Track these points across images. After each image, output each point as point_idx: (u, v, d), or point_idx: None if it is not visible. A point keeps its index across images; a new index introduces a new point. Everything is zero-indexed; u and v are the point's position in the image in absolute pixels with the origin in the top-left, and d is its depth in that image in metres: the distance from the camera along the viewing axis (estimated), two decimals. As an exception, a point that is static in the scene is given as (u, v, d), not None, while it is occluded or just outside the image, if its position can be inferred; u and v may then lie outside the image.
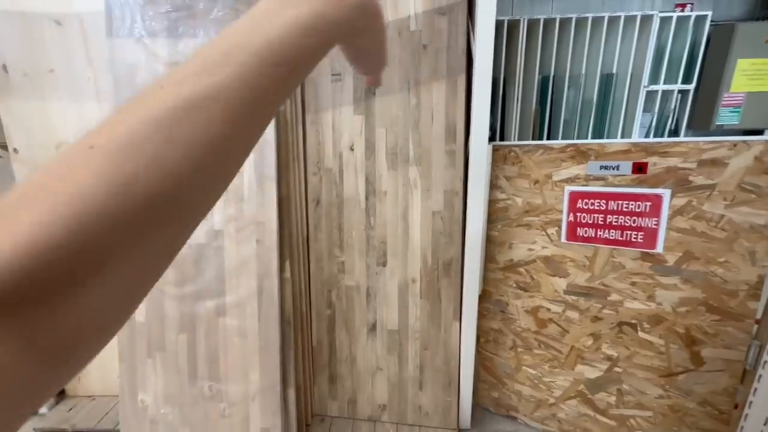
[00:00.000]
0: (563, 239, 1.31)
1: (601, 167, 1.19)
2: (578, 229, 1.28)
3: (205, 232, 1.34)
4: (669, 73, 2.85)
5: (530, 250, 1.39)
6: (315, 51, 0.22)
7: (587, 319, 1.34)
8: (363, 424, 1.59)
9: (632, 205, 1.17)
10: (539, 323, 1.44)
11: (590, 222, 1.25)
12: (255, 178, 1.32)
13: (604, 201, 1.21)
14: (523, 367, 1.52)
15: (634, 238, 1.19)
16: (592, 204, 1.24)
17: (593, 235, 1.26)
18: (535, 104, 2.84)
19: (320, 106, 1.46)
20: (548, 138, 2.76)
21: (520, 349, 1.51)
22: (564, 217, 1.29)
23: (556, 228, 1.32)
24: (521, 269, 1.43)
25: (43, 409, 1.68)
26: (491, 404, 1.66)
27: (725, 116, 2.94)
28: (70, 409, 1.68)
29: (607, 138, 2.75)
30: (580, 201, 1.26)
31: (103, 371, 1.71)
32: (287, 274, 1.39)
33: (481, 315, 1.54)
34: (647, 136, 3.00)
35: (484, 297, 1.53)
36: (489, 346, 1.60)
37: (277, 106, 0.23)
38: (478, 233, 1.36)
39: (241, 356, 1.35)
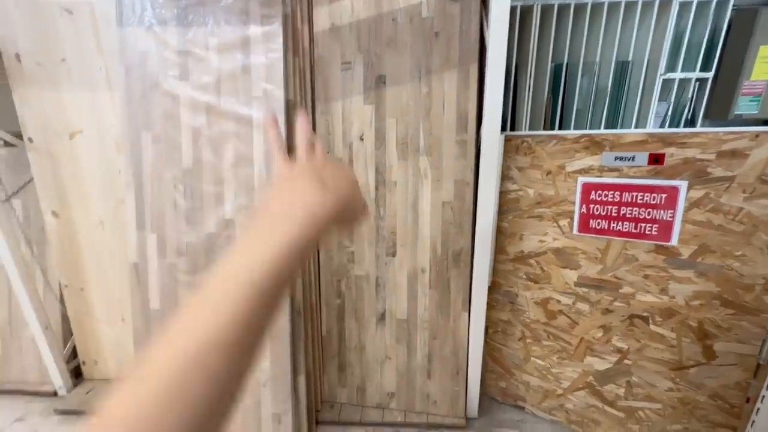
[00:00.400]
0: (575, 231, 1.30)
1: (616, 158, 1.17)
2: (591, 221, 1.26)
3: (216, 221, 1.36)
4: (687, 60, 2.77)
5: (541, 241, 1.38)
6: (301, 265, 0.26)
7: (598, 312, 1.33)
8: (372, 411, 1.61)
9: (647, 197, 1.15)
10: (549, 315, 1.44)
11: (603, 214, 1.24)
12: (266, 168, 1.32)
13: (618, 193, 1.19)
14: (532, 358, 1.53)
15: (648, 230, 1.17)
16: (606, 196, 1.22)
17: (606, 227, 1.24)
18: (547, 93, 2.78)
19: (330, 96, 1.45)
20: (560, 128, 2.72)
21: (528, 340, 1.51)
22: (576, 208, 1.28)
23: (568, 220, 1.31)
24: (532, 261, 1.42)
25: (62, 392, 1.73)
26: (498, 394, 1.67)
27: (744, 105, 2.85)
28: (88, 392, 1.73)
29: (621, 128, 2.70)
30: (593, 192, 1.24)
31: (119, 355, 1.76)
32: (297, 263, 1.40)
33: (490, 306, 1.54)
34: (662, 125, 2.93)
35: (493, 288, 1.53)
36: (497, 337, 1.60)
37: (270, 321, 0.25)
38: (489, 224, 1.35)
39: (252, 344, 1.37)
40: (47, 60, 1.45)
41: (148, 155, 1.37)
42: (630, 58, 2.67)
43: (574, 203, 1.28)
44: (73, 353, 1.79)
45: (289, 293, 1.34)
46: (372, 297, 1.55)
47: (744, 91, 2.81)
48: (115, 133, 1.51)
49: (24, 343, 1.74)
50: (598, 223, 1.25)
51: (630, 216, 1.19)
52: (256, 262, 0.24)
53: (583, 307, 1.35)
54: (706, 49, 2.69)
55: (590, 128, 2.72)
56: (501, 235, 1.47)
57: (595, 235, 1.27)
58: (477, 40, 1.33)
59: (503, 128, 1.31)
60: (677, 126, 3.05)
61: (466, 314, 1.48)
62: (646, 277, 1.22)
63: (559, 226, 1.33)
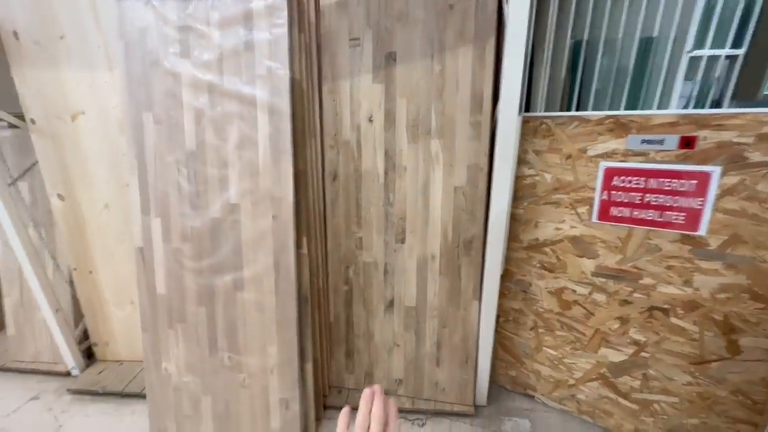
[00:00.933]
0: (594, 219, 1.23)
1: (643, 141, 1.09)
2: (612, 208, 1.19)
3: (221, 205, 1.32)
4: (717, 36, 2.60)
5: (558, 229, 1.32)
6: None
7: (615, 302, 1.28)
8: (379, 397, 1.60)
9: (675, 183, 1.08)
10: (563, 305, 1.39)
11: (626, 201, 1.17)
12: (270, 152, 1.27)
13: (644, 178, 1.12)
14: (544, 348, 1.49)
15: (675, 219, 1.10)
16: (630, 181, 1.14)
17: (628, 215, 1.17)
18: (565, 72, 2.65)
19: (337, 75, 1.38)
20: (578, 109, 2.60)
21: (540, 330, 1.47)
22: (597, 195, 1.21)
23: (587, 207, 1.24)
24: (547, 249, 1.37)
25: (75, 371, 1.76)
26: (508, 382, 1.64)
27: None
28: (100, 372, 1.76)
29: (642, 109, 2.56)
30: (616, 178, 1.16)
31: (129, 337, 1.77)
32: (304, 249, 1.37)
33: (502, 294, 1.49)
34: (686, 107, 2.79)
35: (505, 276, 1.48)
36: (508, 326, 1.56)
37: None
38: (503, 211, 1.29)
39: (259, 330, 1.35)
40: (45, 38, 1.40)
41: (150, 137, 1.33)
42: (655, 34, 2.51)
43: (594, 189, 1.21)
44: (85, 335, 1.81)
45: (296, 281, 1.32)
46: (380, 284, 1.52)
47: None
48: (118, 114, 1.47)
49: (37, 324, 1.77)
50: (620, 211, 1.18)
51: (655, 203, 1.12)
52: None
53: (599, 297, 1.30)
54: (739, 23, 2.51)
55: (610, 110, 2.60)
56: (515, 222, 1.41)
57: (615, 224, 1.20)
58: (495, 14, 1.24)
59: (520, 109, 1.23)
60: (703, 107, 2.89)
61: (477, 302, 1.44)
62: (669, 267, 1.15)
63: (578, 214, 1.27)
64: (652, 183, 1.11)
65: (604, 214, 1.21)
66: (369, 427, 0.45)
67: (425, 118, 1.34)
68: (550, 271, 1.38)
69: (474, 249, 1.40)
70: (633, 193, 1.15)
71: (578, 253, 1.30)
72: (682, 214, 1.09)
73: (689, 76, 2.78)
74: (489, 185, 1.35)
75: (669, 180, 1.08)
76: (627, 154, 1.14)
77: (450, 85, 1.30)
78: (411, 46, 1.30)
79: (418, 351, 1.55)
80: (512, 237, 1.43)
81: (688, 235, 1.10)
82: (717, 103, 2.90)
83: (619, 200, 1.18)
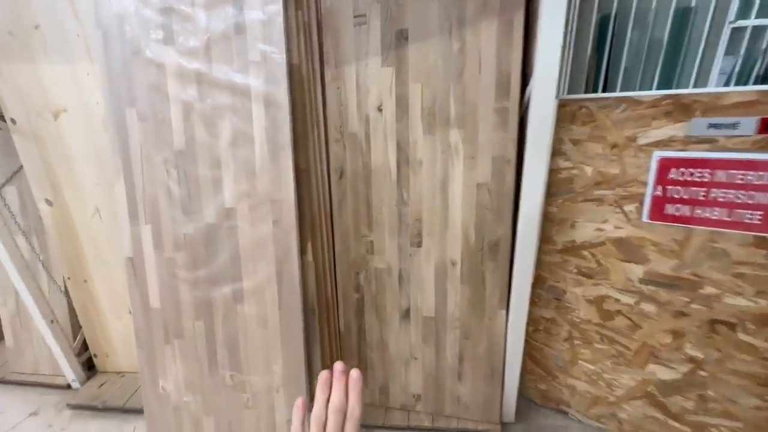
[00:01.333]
0: (645, 218, 1.05)
1: (711, 126, 0.90)
2: (667, 205, 1.01)
3: (216, 210, 1.18)
4: (764, 4, 2.32)
5: (599, 230, 1.15)
6: None
7: (668, 314, 1.10)
8: (396, 413, 1.47)
9: (750, 175, 0.89)
10: (604, 315, 1.22)
11: (686, 197, 0.98)
12: (268, 149, 1.12)
13: (709, 171, 0.93)
14: (579, 361, 1.33)
15: (748, 218, 0.92)
16: (692, 174, 0.96)
17: (688, 214, 0.99)
18: (591, 49, 2.42)
19: (341, 58, 1.21)
20: (604, 90, 2.37)
21: (576, 342, 1.31)
22: (649, 190, 1.03)
23: (636, 204, 1.06)
24: (585, 252, 1.19)
25: (75, 384, 1.68)
26: (537, 396, 1.49)
27: None
28: (101, 385, 1.67)
29: (677, 88, 2.32)
30: (673, 170, 0.98)
31: (128, 348, 1.67)
32: (309, 257, 1.23)
33: (532, 302, 1.33)
34: (727, 84, 2.53)
35: (536, 282, 1.31)
36: (539, 336, 1.40)
37: None
38: (536, 209, 1.12)
39: (262, 346, 1.23)
40: (19, 28, 1.27)
41: (135, 136, 1.19)
42: (693, 3, 2.26)
43: (645, 184, 1.03)
44: (84, 346, 1.72)
45: (301, 291, 1.18)
46: (395, 292, 1.37)
47: None
48: (102, 111, 1.33)
49: (35, 335, 1.68)
50: (677, 209, 1.00)
51: (723, 200, 0.93)
52: None
53: (648, 308, 1.13)
54: (791, -13, 2.24)
55: (640, 89, 2.37)
56: (547, 221, 1.24)
57: (671, 224, 1.02)
58: (524, -21, 1.05)
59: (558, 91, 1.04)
60: (746, 84, 2.62)
61: (504, 312, 1.28)
62: (738, 276, 0.97)
63: (624, 212, 1.09)
64: (721, 176, 0.92)
65: (657, 213, 1.03)
66: (326, 420, 0.37)
67: (443, 104, 1.17)
68: (589, 277, 1.21)
69: (500, 253, 1.23)
70: (695, 188, 0.96)
71: (624, 257, 1.13)
72: (758, 212, 0.90)
73: (730, 51, 2.51)
74: (518, 180, 1.18)
75: (743, 172, 0.89)
76: (688, 142, 0.95)
77: (471, 66, 1.13)
78: (425, 22, 1.13)
79: (438, 364, 1.40)
80: (544, 238, 1.26)
81: (765, 238, 0.92)
82: (764, 79, 2.63)
83: (676, 196, 0.99)
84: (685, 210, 0.99)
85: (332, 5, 1.18)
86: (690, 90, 0.92)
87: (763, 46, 2.61)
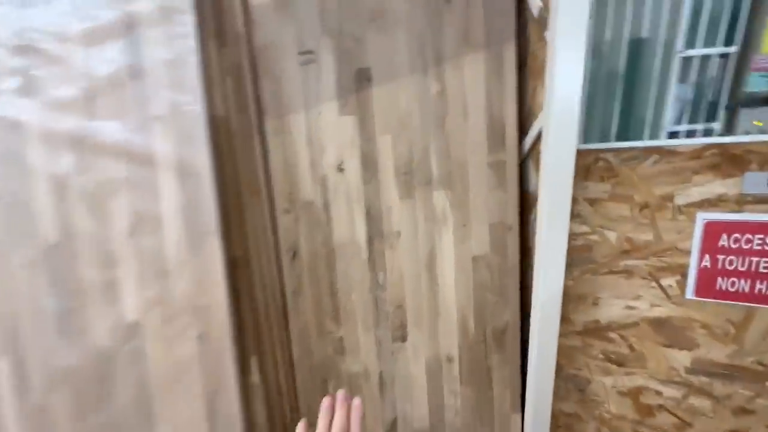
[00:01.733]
0: (690, 294, 0.83)
1: (773, 182, 0.70)
2: (719, 279, 0.79)
3: (111, 327, 0.81)
4: (709, 33, 2.37)
5: (630, 308, 0.91)
6: None
7: (726, 411, 0.87)
8: None
9: (828, 243, 0.69)
10: (641, 410, 0.97)
11: (742, 269, 0.77)
12: (186, 236, 0.79)
13: (773, 236, 0.73)
14: (612, 464, 1.06)
15: (830, 296, 0.71)
16: (749, 241, 0.75)
17: (746, 290, 0.78)
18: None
19: (286, 106, 0.93)
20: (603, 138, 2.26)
21: (607, 441, 1.04)
22: (694, 261, 0.81)
23: (678, 277, 0.84)
24: (613, 335, 0.95)
25: None
26: (561, 504, 1.19)
27: (755, 81, 2.49)
28: None
29: (634, 121, 2.27)
30: (724, 236, 0.77)
31: None
32: (254, 377, 0.88)
33: (549, 396, 1.05)
34: (682, 111, 2.54)
35: (552, 371, 1.04)
36: (558, 433, 1.12)
37: None
38: (557, 286, 0.87)
39: None
40: None
41: (-22, 228, 0.81)
42: (644, 35, 2.26)
43: (688, 253, 0.81)
44: None
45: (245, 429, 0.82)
46: (375, 401, 1.04)
47: (754, 66, 2.44)
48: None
49: None
50: (732, 283, 0.79)
51: (793, 273, 0.73)
52: None
53: (700, 403, 0.89)
54: (729, 18, 2.31)
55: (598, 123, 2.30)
56: (562, 298, 0.98)
57: (725, 301, 0.80)
58: (513, 6, 0.84)
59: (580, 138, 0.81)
60: (698, 110, 2.66)
61: (518, 417, 0.99)
62: (818, 366, 0.76)
63: (662, 287, 0.86)
64: (788, 243, 0.72)
65: (705, 288, 0.81)
66: None
67: (422, 160, 0.91)
68: (620, 364, 0.96)
69: (508, 342, 0.96)
70: (754, 258, 0.75)
71: (664, 341, 0.89)
72: (842, 288, 0.70)
73: (683, 79, 2.54)
74: (522, 250, 0.93)
75: (820, 239, 0.69)
76: (743, 201, 0.74)
77: (455, 112, 0.88)
78: (392, 58, 0.88)
79: (437, 488, 1.07)
80: (560, 318, 1.00)
81: None
82: (714, 105, 2.67)
83: (730, 268, 0.78)
84: (743, 285, 0.78)
85: (268, 39, 0.90)
86: (741, 138, 0.72)
87: (712, 74, 2.64)
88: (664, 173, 0.79)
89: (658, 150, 0.79)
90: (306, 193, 0.95)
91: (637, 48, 2.34)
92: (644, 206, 0.83)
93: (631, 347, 0.93)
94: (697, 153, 0.75)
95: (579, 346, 1.00)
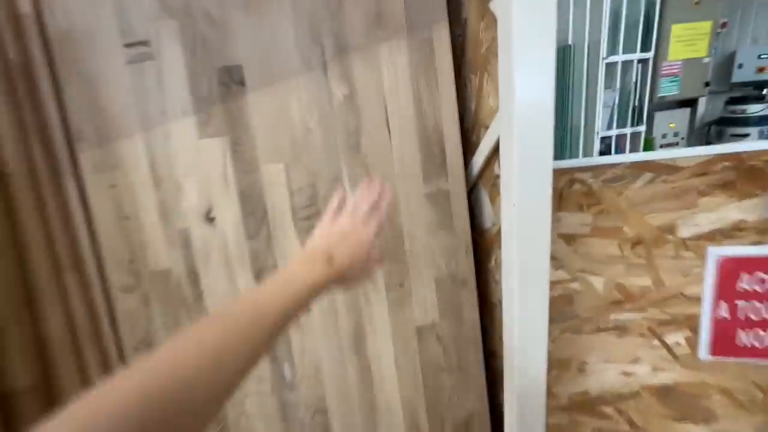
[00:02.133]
0: (704, 353, 0.62)
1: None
2: (740, 332, 0.59)
3: None
4: (627, 40, 2.40)
5: (627, 374, 0.68)
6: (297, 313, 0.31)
7: (756, 496, 0.66)
8: None
9: None
10: (650, 501, 0.74)
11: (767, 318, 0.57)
12: None
13: (809, 274, 0.53)
14: None
15: None
16: (778, 282, 0.55)
17: (775, 345, 0.58)
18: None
19: (111, 127, 0.59)
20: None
21: None
22: (707, 310, 0.60)
23: (687, 332, 0.62)
24: (607, 409, 0.72)
25: None
26: None
27: (666, 86, 2.60)
28: None
29: (570, 122, 2.20)
30: (745, 276, 0.57)
31: None
32: None
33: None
34: (611, 116, 2.55)
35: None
36: None
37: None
38: (540, 352, 0.61)
39: None
40: None
41: None
42: (570, 42, 2.21)
43: (699, 301, 0.60)
44: None
45: None
46: None
47: (663, 71, 2.54)
48: None
49: None
50: (758, 338, 0.58)
51: (836, 320, 0.54)
52: (289, 296, 0.30)
53: (723, 488, 0.68)
54: (644, 26, 2.36)
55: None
56: (537, 362, 0.74)
57: (749, 359, 0.60)
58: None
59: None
60: (626, 115, 2.69)
61: None
62: None
63: (667, 346, 0.64)
64: (830, 282, 0.53)
65: (723, 345, 0.60)
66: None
67: (331, 195, 0.62)
68: (619, 444, 0.73)
69: (476, 438, 0.69)
70: (784, 304, 0.55)
71: (674, 414, 0.67)
72: None
73: (609, 84, 2.54)
74: (483, 309, 0.67)
75: None
76: (765, 230, 0.54)
77: (372, 124, 0.61)
78: (274, 50, 0.58)
79: None
80: (535, 389, 0.75)
81: None
82: (639, 110, 2.72)
83: (754, 318, 0.58)
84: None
85: (72, 23, 0.57)
86: (755, 146, 0.52)
87: (634, 79, 2.64)
88: (660, 196, 0.58)
89: (650, 165, 0.57)
90: (157, 260, 0.61)
91: (564, 55, 2.26)
92: (637, 241, 0.61)
93: (631, 423, 0.71)
94: (704, 167, 0.55)
95: (565, 423, 0.76)
